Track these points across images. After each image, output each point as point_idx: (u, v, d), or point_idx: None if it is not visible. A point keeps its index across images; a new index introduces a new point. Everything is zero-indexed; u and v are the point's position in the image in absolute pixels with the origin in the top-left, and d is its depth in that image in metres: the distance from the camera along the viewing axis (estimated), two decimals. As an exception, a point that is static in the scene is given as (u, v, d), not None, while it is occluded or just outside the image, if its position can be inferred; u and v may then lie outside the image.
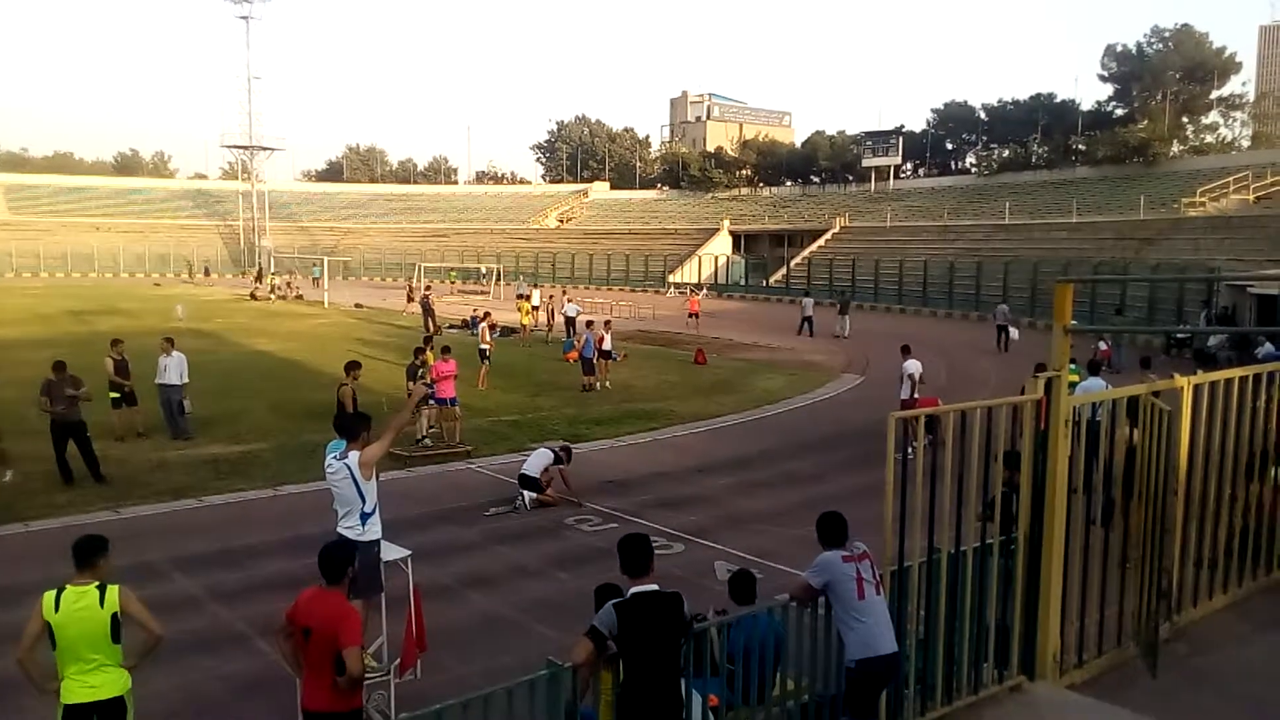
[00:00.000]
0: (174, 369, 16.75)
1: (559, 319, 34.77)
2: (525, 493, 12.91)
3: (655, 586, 4.95)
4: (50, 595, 5.18)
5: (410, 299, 43.74)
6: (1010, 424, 6.75)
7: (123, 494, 13.23)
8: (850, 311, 38.35)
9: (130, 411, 16.62)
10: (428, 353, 17.67)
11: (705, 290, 59.56)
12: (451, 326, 35.63)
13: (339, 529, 7.49)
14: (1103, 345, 25.22)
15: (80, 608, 5.13)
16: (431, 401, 16.55)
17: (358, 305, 48.14)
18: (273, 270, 64.45)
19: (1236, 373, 8.47)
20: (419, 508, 12.70)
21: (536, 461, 13.20)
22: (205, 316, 40.43)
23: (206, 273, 71.98)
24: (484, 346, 23.59)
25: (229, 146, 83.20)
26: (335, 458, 7.47)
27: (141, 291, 56.18)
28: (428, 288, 42.29)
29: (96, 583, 5.20)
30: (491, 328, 25.09)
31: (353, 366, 14.74)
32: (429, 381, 16.25)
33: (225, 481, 14.04)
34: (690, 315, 38.52)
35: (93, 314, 39.60)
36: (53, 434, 13.74)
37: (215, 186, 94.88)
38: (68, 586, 5.20)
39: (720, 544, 11.32)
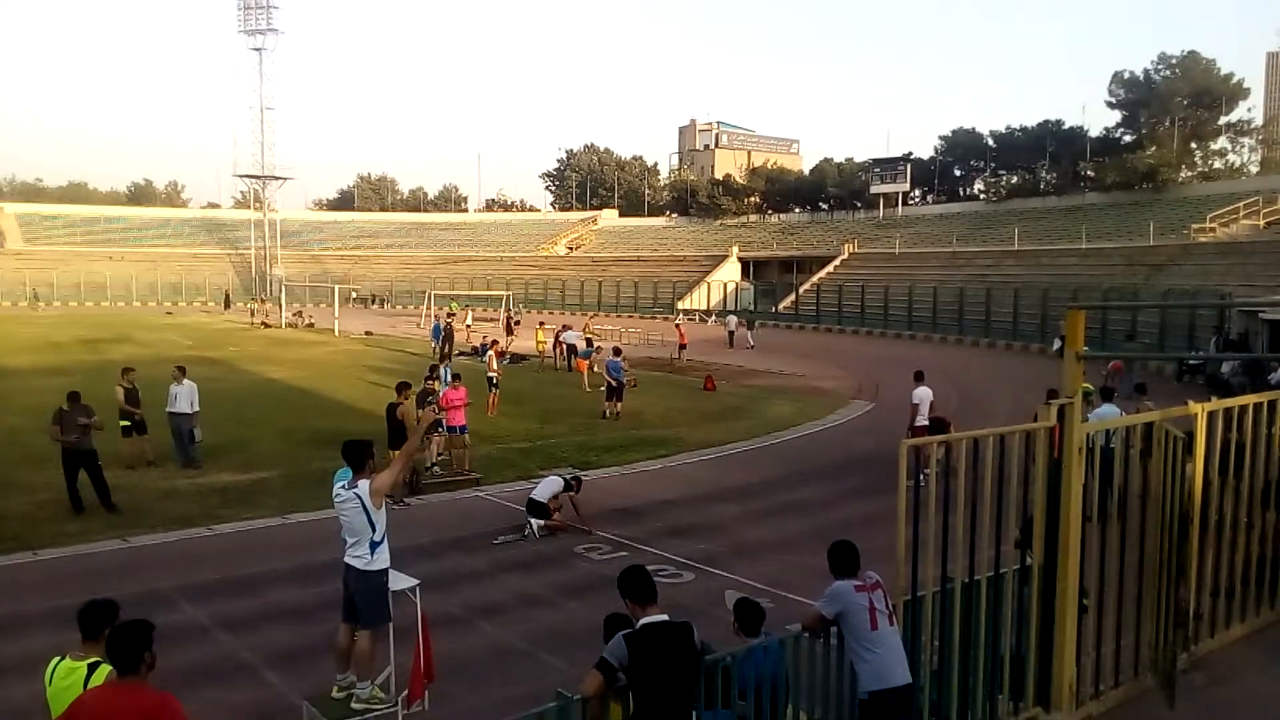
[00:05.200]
0: (185, 397, 16.78)
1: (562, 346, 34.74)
2: (533, 520, 12.87)
3: (665, 617, 4.90)
4: (53, 663, 4.62)
5: (510, 331, 41.87)
6: (1023, 451, 6.70)
7: (132, 523, 13.22)
8: (754, 328, 47.59)
9: (140, 440, 16.65)
10: (435, 381, 17.65)
11: (714, 317, 59.70)
12: (460, 353, 35.71)
13: (346, 558, 7.46)
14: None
15: (65, 686, 4.46)
16: (441, 429, 16.56)
17: (368, 333, 48.31)
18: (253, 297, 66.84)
19: (1251, 399, 8.41)
20: (427, 536, 12.66)
21: (546, 488, 13.19)
22: (216, 345, 40.64)
23: (228, 302, 71.56)
24: (491, 374, 23.61)
25: (241, 176, 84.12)
26: (344, 486, 7.46)
27: (154, 320, 56.51)
28: (450, 315, 42.23)
29: (92, 659, 4.51)
30: (499, 355, 25.13)
31: (403, 387, 15.12)
32: (438, 408, 16.28)
33: (234, 510, 14.03)
34: (680, 347, 38.14)
35: (105, 342, 39.83)
36: (64, 463, 13.75)
37: (228, 216, 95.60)
38: (66, 657, 4.59)
39: (731, 573, 11.22)
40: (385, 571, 7.45)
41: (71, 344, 39.28)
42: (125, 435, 16.44)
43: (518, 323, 44.12)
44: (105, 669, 4.44)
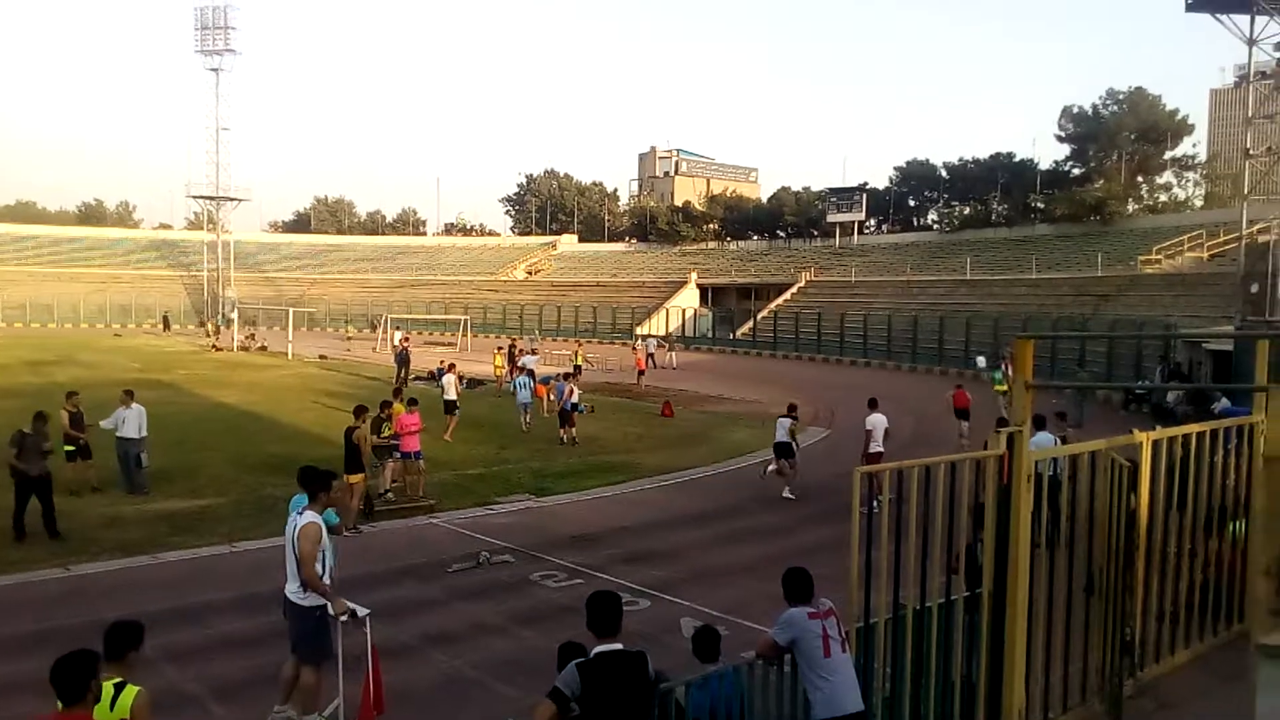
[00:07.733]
0: (133, 422, 16.43)
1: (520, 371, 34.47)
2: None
3: (620, 645, 4.88)
4: None
5: (513, 361, 35.69)
6: (973, 479, 6.79)
7: (75, 550, 12.89)
8: (674, 349, 52.72)
9: (84, 465, 16.27)
10: (395, 405, 17.43)
11: (671, 342, 59.99)
12: (417, 378, 35.39)
13: (286, 591, 7.34)
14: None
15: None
16: (395, 455, 16.39)
17: (322, 356, 47.75)
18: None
19: (1194, 428, 8.60)
20: (380, 564, 12.50)
21: (782, 429, 17.63)
22: (166, 367, 39.92)
23: (166, 324, 71.22)
24: (451, 398, 23.45)
25: (195, 197, 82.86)
26: (299, 513, 7.36)
27: (102, 342, 55.37)
28: (405, 339, 41.70)
29: (117, 680, 4.58)
30: (459, 379, 24.99)
31: (361, 410, 15.07)
32: (390, 435, 16.15)
33: (181, 537, 13.72)
34: (639, 372, 38.39)
35: (50, 364, 38.93)
36: (17, 489, 13.40)
37: (180, 237, 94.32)
38: None
39: (687, 600, 11.22)
40: (323, 606, 7.31)
41: (15, 366, 38.32)
42: (69, 460, 16.05)
43: (533, 351, 38.80)
44: (132, 690, 4.58)
